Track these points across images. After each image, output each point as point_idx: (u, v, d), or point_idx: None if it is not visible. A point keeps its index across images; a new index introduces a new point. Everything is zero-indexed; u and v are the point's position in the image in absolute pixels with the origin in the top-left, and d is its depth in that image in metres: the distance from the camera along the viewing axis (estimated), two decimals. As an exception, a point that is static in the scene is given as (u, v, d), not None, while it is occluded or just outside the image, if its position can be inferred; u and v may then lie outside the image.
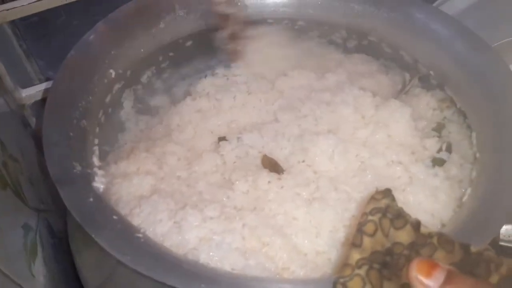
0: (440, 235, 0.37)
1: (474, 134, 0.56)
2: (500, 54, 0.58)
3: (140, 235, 0.44)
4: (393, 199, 0.39)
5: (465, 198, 0.52)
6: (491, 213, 0.47)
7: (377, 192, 0.39)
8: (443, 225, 0.52)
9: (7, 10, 0.67)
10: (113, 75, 0.60)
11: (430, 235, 0.38)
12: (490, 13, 0.68)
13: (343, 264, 0.38)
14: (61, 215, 0.69)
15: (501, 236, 0.71)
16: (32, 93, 0.75)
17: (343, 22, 0.67)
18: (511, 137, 0.51)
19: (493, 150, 0.53)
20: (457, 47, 0.59)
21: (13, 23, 0.81)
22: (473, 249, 0.37)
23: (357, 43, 0.69)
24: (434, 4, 0.69)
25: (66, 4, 0.78)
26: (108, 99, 0.60)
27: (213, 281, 0.40)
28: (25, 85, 0.75)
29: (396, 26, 0.64)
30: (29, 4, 0.69)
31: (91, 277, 0.52)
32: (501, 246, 0.70)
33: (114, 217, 0.44)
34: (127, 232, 0.43)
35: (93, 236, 0.42)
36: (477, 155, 0.54)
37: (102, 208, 0.45)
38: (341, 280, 0.37)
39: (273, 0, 0.68)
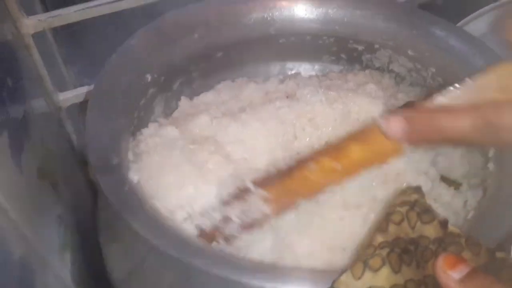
0: (468, 237, 0.39)
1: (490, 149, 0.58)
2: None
3: (171, 223, 0.47)
4: (423, 195, 0.41)
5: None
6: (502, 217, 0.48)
7: (408, 187, 0.41)
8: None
9: (52, 17, 0.72)
10: (149, 79, 0.63)
11: (458, 235, 0.39)
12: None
13: (367, 245, 0.39)
14: (87, 213, 0.72)
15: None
16: (68, 97, 0.79)
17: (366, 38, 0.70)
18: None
19: (506, 165, 0.54)
20: (477, 65, 0.61)
21: (55, 30, 0.85)
22: (499, 254, 0.38)
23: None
24: (458, 25, 0.72)
25: (101, 16, 0.83)
26: (142, 102, 0.63)
27: (240, 267, 0.43)
28: (61, 90, 0.80)
29: (418, 43, 0.66)
30: (75, 12, 0.74)
31: (118, 268, 0.56)
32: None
33: (148, 206, 0.48)
34: (159, 219, 0.46)
35: (128, 220, 0.45)
36: (491, 165, 0.56)
37: (137, 196, 0.48)
38: (363, 257, 0.38)
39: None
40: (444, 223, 0.40)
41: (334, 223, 0.54)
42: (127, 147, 0.56)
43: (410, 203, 0.40)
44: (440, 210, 0.55)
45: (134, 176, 0.52)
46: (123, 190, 0.48)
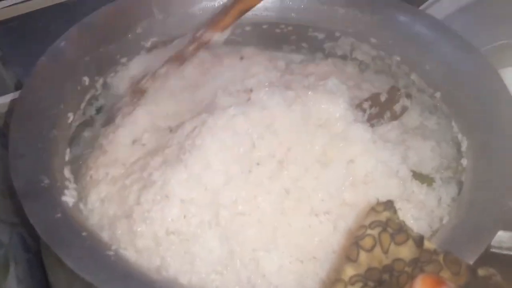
0: (446, 253, 0.35)
1: (463, 139, 0.54)
2: (490, 58, 0.56)
3: (111, 253, 0.41)
4: (394, 211, 0.37)
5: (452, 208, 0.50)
6: (480, 221, 0.45)
7: (378, 203, 0.37)
8: (432, 234, 0.50)
9: (-21, 15, 0.65)
10: (87, 83, 0.57)
11: (435, 252, 0.36)
12: (478, 17, 0.66)
13: (335, 279, 0.35)
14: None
15: (493, 243, 0.69)
16: (6, 101, 0.72)
17: (326, 25, 0.65)
18: (499, 143, 0.50)
19: (481, 156, 0.51)
20: (445, 51, 0.58)
21: (-14, 28, 0.78)
22: (481, 272, 0.35)
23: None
24: (421, 8, 0.68)
25: (42, 9, 0.76)
26: (82, 107, 0.57)
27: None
28: (1, 93, 0.72)
29: (380, 29, 0.62)
30: (3, 8, 0.67)
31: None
32: (492, 253, 0.68)
33: (83, 233, 0.42)
34: (96, 250, 0.41)
35: (59, 255, 0.39)
36: (464, 161, 0.53)
37: (70, 224, 0.42)
38: None
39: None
40: (419, 241, 0.36)
41: (302, 231, 0.50)
42: (62, 163, 0.50)
43: (382, 223, 0.36)
44: (414, 211, 0.52)
45: (70, 198, 0.46)
46: (54, 218, 0.42)
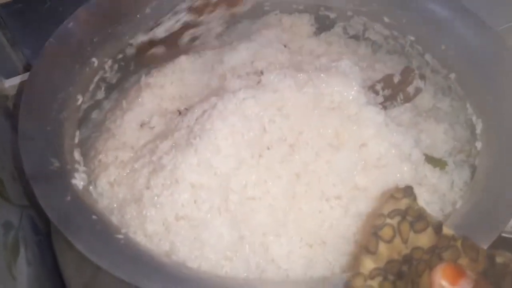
0: (464, 239, 0.35)
1: (478, 121, 0.53)
2: (505, 38, 0.55)
3: (121, 236, 0.41)
4: (414, 198, 0.36)
5: (465, 192, 0.50)
6: (494, 206, 0.44)
7: (397, 190, 0.36)
8: (445, 218, 0.50)
9: (-14, -5, 0.64)
10: (95, 64, 0.56)
11: (453, 238, 0.35)
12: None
13: (355, 273, 0.35)
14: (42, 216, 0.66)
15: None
16: (15, 83, 0.72)
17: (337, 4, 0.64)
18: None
19: (495, 139, 0.50)
20: (460, 31, 0.56)
21: (-6, 9, 0.77)
22: (499, 259, 0.34)
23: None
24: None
25: (51, -10, 0.75)
26: (90, 89, 0.57)
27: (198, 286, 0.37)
28: (10, 75, 0.72)
29: (394, 8, 0.60)
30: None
31: (74, 277, 0.50)
32: (505, 238, 0.68)
33: (93, 216, 0.42)
34: (106, 234, 0.41)
35: (69, 238, 0.39)
36: (479, 144, 0.52)
37: (80, 207, 0.42)
38: None
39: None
40: (438, 227, 0.35)
41: (312, 216, 0.49)
42: (71, 145, 0.50)
43: (401, 212, 0.35)
44: (426, 195, 0.52)
45: (79, 181, 0.46)
46: (64, 202, 0.42)
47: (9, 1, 0.68)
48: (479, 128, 0.52)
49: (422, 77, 0.61)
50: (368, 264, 0.34)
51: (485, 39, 0.55)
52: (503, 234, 0.68)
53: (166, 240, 0.45)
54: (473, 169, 0.52)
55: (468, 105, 0.55)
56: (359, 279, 0.34)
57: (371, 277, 0.34)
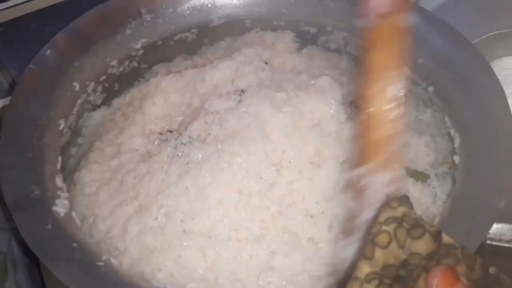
0: (463, 248, 0.35)
1: (456, 135, 0.54)
2: (483, 49, 0.55)
3: (101, 264, 0.41)
4: (410, 206, 0.36)
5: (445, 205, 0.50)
6: (477, 214, 0.45)
7: (393, 199, 0.36)
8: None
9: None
10: (77, 88, 0.57)
11: (453, 246, 0.35)
12: (470, 8, 0.65)
13: (351, 277, 0.35)
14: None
15: (492, 235, 0.69)
16: (3, 105, 0.72)
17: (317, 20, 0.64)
18: (491, 138, 0.49)
19: (474, 150, 0.50)
20: (436, 44, 0.56)
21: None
22: (491, 270, 0.35)
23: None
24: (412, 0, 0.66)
25: (37, 11, 0.76)
26: (74, 112, 0.57)
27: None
28: (-1, 97, 0.73)
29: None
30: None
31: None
32: (492, 245, 0.68)
33: (74, 244, 0.42)
34: (86, 261, 0.41)
35: (48, 267, 0.39)
36: (457, 157, 0.52)
37: (61, 235, 0.42)
38: None
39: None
40: (437, 235, 0.35)
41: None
42: (53, 171, 0.50)
43: (397, 219, 0.35)
44: None
45: (61, 208, 0.46)
46: (44, 230, 0.42)
47: (-6, 24, 0.68)
48: (457, 141, 0.53)
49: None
50: (365, 269, 0.34)
51: (462, 51, 0.55)
52: (492, 242, 0.69)
53: (147, 264, 0.46)
54: (455, 181, 0.52)
55: (446, 118, 0.55)
56: (355, 283, 0.34)
57: (367, 281, 0.34)
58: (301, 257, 0.48)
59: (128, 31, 0.62)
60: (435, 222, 0.49)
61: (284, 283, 0.47)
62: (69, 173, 0.54)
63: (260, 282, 0.47)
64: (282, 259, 0.48)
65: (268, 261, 0.48)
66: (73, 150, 0.58)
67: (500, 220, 0.67)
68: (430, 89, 0.58)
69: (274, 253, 0.48)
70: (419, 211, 0.52)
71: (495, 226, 0.68)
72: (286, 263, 0.48)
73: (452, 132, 0.54)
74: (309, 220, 0.50)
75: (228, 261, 0.47)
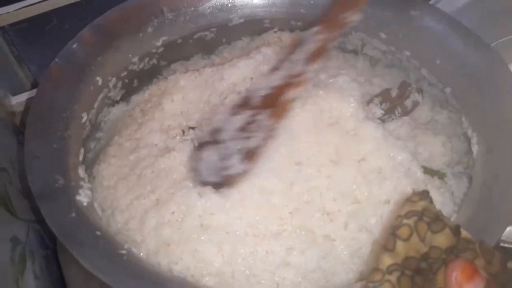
0: (481, 243, 0.36)
1: (473, 135, 0.54)
2: (500, 52, 0.56)
3: (124, 252, 0.42)
4: (431, 201, 0.37)
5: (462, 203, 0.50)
6: (492, 215, 0.46)
7: (414, 193, 0.37)
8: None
9: (-3, 15, 0.66)
10: (100, 83, 0.58)
11: (472, 241, 0.36)
12: (489, 11, 0.65)
13: (373, 269, 0.36)
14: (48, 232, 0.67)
15: (504, 238, 0.69)
16: (22, 100, 0.73)
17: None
18: (508, 138, 0.49)
19: (491, 151, 0.51)
20: (455, 46, 0.57)
21: (2, 29, 0.79)
22: (510, 265, 0.36)
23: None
24: (430, 2, 0.67)
25: (56, 9, 0.77)
26: (95, 107, 0.58)
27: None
28: (17, 92, 0.74)
29: (390, 24, 0.62)
30: (16, 10, 0.68)
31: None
32: (504, 248, 0.68)
33: (97, 232, 0.43)
34: (109, 249, 0.42)
35: (74, 254, 0.40)
36: (475, 155, 0.52)
37: (84, 223, 0.43)
38: (370, 285, 0.35)
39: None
40: (456, 229, 0.36)
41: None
42: (76, 162, 0.51)
43: (418, 213, 0.36)
44: None
45: (84, 197, 0.47)
46: (68, 218, 0.43)
47: (16, 20, 0.70)
48: (474, 141, 0.53)
49: (420, 90, 0.62)
50: (386, 261, 0.35)
51: (480, 53, 0.56)
52: (504, 245, 0.69)
53: (164, 257, 0.47)
54: (471, 180, 0.52)
55: (463, 119, 0.56)
56: (377, 274, 0.35)
57: (389, 272, 0.35)
58: (316, 254, 0.49)
59: (150, 29, 0.63)
60: (452, 219, 0.49)
61: (300, 279, 0.48)
62: (88, 166, 0.55)
63: (276, 278, 0.48)
64: (298, 256, 0.49)
65: (284, 258, 0.49)
66: (92, 144, 0.59)
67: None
68: (447, 89, 0.58)
69: (290, 249, 0.49)
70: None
71: (508, 228, 0.68)
72: (302, 260, 0.48)
73: (470, 132, 0.54)
74: (325, 218, 0.51)
75: (244, 257, 0.48)
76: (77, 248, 0.41)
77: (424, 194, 0.37)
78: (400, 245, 0.36)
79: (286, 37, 0.70)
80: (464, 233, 0.36)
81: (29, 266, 0.58)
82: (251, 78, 0.62)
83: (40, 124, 0.50)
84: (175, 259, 0.48)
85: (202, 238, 0.49)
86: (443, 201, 0.53)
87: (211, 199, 0.50)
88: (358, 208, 0.51)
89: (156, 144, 0.59)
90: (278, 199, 0.50)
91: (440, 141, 0.58)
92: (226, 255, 0.48)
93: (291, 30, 0.69)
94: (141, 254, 0.48)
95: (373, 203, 0.51)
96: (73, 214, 0.44)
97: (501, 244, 0.67)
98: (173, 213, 0.50)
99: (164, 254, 0.48)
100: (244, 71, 0.63)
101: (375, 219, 0.50)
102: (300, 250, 0.49)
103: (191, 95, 0.63)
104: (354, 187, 0.52)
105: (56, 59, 0.55)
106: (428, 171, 0.55)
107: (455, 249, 0.36)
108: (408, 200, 0.37)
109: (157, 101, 0.65)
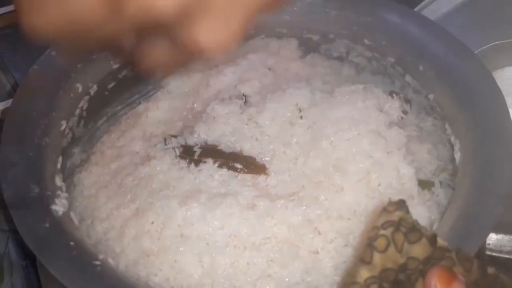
0: (458, 251, 0.36)
1: (456, 142, 0.54)
2: (485, 59, 0.55)
3: (98, 263, 0.41)
4: (407, 211, 0.36)
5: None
6: (473, 223, 0.45)
7: (390, 203, 0.36)
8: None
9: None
10: (80, 90, 0.57)
11: (447, 249, 0.36)
12: (474, 17, 0.65)
13: (351, 282, 0.35)
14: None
15: (491, 246, 0.68)
16: (4, 107, 0.72)
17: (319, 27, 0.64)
18: (492, 145, 0.49)
19: (475, 158, 0.50)
20: (437, 52, 0.57)
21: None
22: (490, 270, 0.35)
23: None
24: (415, 9, 0.67)
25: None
26: (76, 113, 0.57)
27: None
28: (1, 99, 0.73)
29: (374, 31, 0.62)
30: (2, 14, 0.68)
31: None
32: (492, 256, 0.68)
33: (71, 243, 0.42)
34: (82, 260, 0.41)
35: (45, 265, 0.39)
36: (458, 163, 0.52)
37: (58, 233, 0.42)
38: None
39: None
40: (432, 239, 0.36)
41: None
42: (53, 171, 0.50)
43: (395, 223, 0.35)
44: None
45: (59, 207, 0.46)
46: (42, 228, 0.42)
47: (0, 26, 0.69)
48: (457, 148, 0.53)
49: (407, 101, 0.61)
50: (364, 274, 0.35)
51: (463, 60, 0.56)
52: (492, 253, 0.68)
53: (143, 268, 0.46)
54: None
55: (447, 126, 0.55)
56: (355, 287, 0.34)
57: (367, 285, 0.34)
58: (300, 267, 0.48)
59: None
60: (434, 228, 0.49)
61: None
62: (69, 175, 0.54)
63: (257, 290, 0.47)
64: (280, 268, 0.48)
65: (265, 269, 0.48)
66: (73, 152, 0.58)
67: (500, 231, 0.67)
68: (431, 96, 0.58)
69: (272, 261, 0.48)
70: (422, 218, 0.52)
71: (495, 237, 0.68)
72: (284, 273, 0.48)
73: (452, 139, 0.54)
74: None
75: (225, 268, 0.47)
76: (49, 259, 0.40)
77: (400, 204, 0.36)
78: (377, 257, 0.35)
79: (274, 44, 0.69)
80: (440, 241, 0.36)
81: (7, 278, 0.58)
82: (235, 85, 0.61)
83: (15, 131, 0.49)
84: (155, 271, 0.47)
85: (181, 248, 0.48)
86: (429, 216, 0.52)
87: (192, 209, 0.49)
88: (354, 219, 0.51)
89: (137, 152, 0.58)
90: (262, 211, 0.50)
91: (426, 149, 0.58)
92: (206, 265, 0.47)
93: (278, 37, 0.69)
94: (120, 265, 0.47)
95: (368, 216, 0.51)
96: (47, 224, 0.43)
97: (488, 253, 0.67)
98: (152, 223, 0.49)
99: (143, 265, 0.47)
100: (229, 78, 0.62)
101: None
102: (282, 262, 0.48)
103: (176, 102, 0.63)
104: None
105: (35, 65, 0.54)
106: (421, 183, 0.55)
107: (431, 259, 0.35)
108: (384, 210, 0.36)
109: (141, 108, 0.64)
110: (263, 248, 0.48)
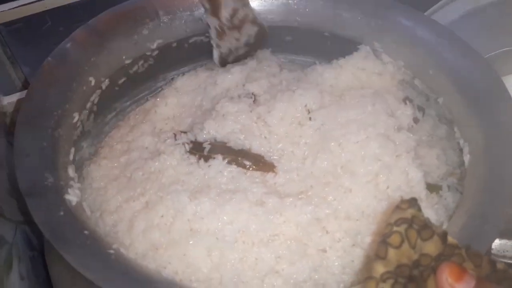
0: (467, 248, 0.36)
1: (465, 145, 0.54)
2: (494, 64, 0.56)
3: (112, 251, 0.42)
4: (419, 209, 0.37)
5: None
6: (482, 225, 0.45)
7: (402, 201, 0.37)
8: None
9: (-12, 15, 0.66)
10: (92, 83, 0.58)
11: (457, 247, 0.36)
12: (484, 22, 0.66)
13: (367, 277, 0.35)
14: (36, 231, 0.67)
15: (495, 251, 0.69)
16: (13, 100, 0.73)
17: (331, 29, 0.65)
18: (501, 147, 0.49)
19: (484, 160, 0.51)
20: (447, 56, 0.57)
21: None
22: (499, 265, 0.36)
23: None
24: (426, 13, 0.68)
25: (51, 10, 0.77)
26: (87, 106, 0.58)
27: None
28: (9, 92, 0.73)
29: (384, 33, 0.62)
30: (10, 9, 0.68)
31: None
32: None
33: (85, 231, 0.42)
34: (97, 248, 0.41)
35: (60, 252, 0.39)
36: (467, 166, 0.52)
37: (72, 222, 0.43)
38: None
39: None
40: (443, 236, 0.36)
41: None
42: (66, 162, 0.51)
43: (407, 220, 0.36)
44: None
45: (73, 197, 0.46)
46: (56, 216, 0.42)
47: (10, 20, 0.70)
48: (466, 151, 0.53)
49: (421, 108, 0.62)
50: (379, 269, 0.35)
51: (472, 65, 0.56)
52: (495, 258, 0.69)
53: (152, 261, 0.46)
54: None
55: (455, 129, 0.56)
56: (371, 282, 0.35)
57: (383, 280, 0.35)
58: (308, 264, 0.49)
59: (145, 31, 0.63)
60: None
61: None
62: (77, 168, 0.55)
63: (265, 285, 0.48)
64: (288, 264, 0.48)
65: (274, 266, 0.48)
66: (82, 145, 0.59)
67: (504, 236, 0.68)
68: (440, 100, 0.59)
69: (280, 258, 0.48)
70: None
71: (498, 242, 0.68)
72: (292, 269, 0.48)
73: (461, 142, 0.55)
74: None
75: (233, 263, 0.48)
76: (64, 246, 0.40)
77: (413, 202, 0.37)
78: (392, 253, 0.36)
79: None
80: (450, 239, 0.36)
81: (15, 267, 0.58)
82: (243, 84, 0.62)
83: (30, 122, 0.49)
84: (163, 263, 0.47)
85: (191, 242, 0.48)
86: (437, 219, 0.53)
87: (201, 203, 0.50)
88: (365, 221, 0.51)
89: (147, 147, 0.58)
90: (271, 208, 0.50)
91: (435, 153, 0.58)
92: (214, 260, 0.48)
93: (287, 36, 0.69)
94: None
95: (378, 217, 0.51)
96: (61, 213, 0.43)
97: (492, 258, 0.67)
98: (162, 216, 0.50)
99: (152, 258, 0.48)
100: (237, 77, 0.63)
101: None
102: (290, 259, 0.48)
103: (184, 99, 0.63)
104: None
105: (49, 58, 0.54)
106: (429, 186, 0.55)
107: (442, 256, 0.36)
108: (397, 207, 0.37)
109: (150, 104, 0.65)
110: (271, 245, 0.49)
